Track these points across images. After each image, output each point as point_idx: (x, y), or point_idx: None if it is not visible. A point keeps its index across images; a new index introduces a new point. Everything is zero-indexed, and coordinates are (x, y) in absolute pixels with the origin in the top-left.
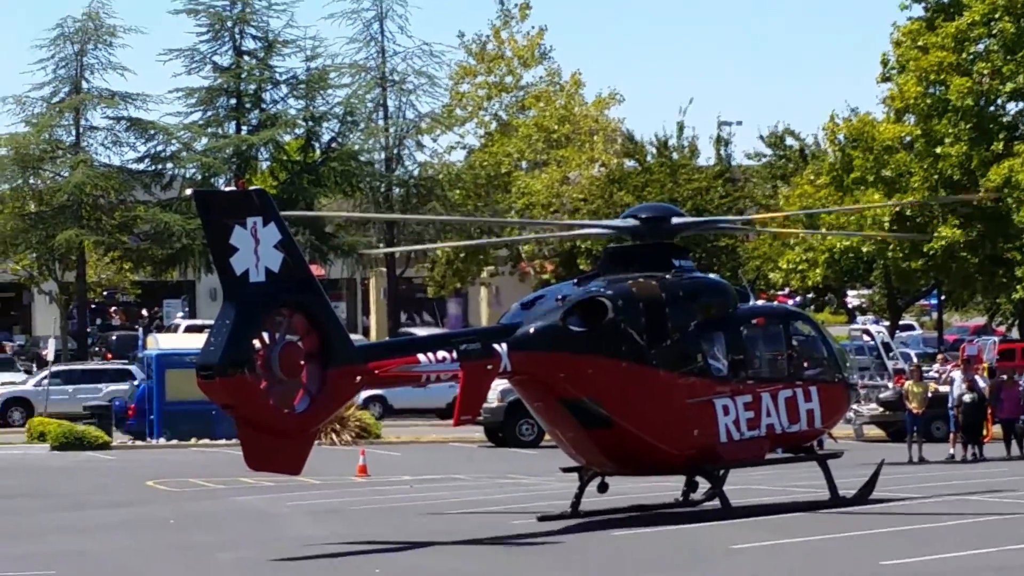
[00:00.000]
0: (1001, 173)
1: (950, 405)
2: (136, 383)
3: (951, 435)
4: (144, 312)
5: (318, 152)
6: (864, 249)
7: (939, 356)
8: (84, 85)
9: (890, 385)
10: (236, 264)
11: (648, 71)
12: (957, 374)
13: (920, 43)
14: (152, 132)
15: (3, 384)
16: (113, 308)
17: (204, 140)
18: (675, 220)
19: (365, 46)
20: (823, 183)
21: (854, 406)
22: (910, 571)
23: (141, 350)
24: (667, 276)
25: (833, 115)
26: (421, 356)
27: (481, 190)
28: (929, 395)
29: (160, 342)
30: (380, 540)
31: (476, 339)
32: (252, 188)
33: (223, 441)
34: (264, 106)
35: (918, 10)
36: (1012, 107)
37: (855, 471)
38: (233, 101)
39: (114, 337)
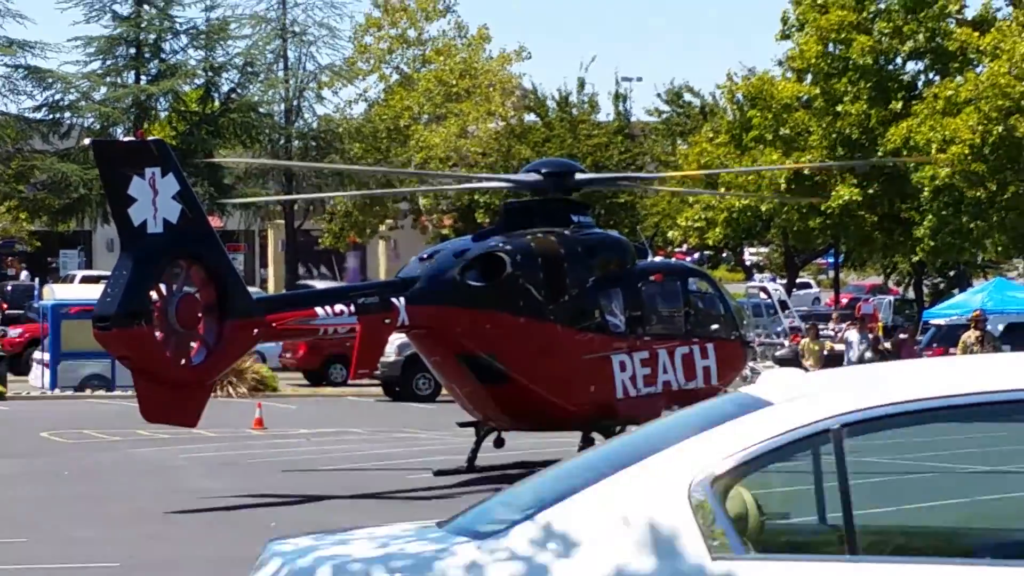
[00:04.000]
0: (900, 133)
1: (846, 363)
2: None
3: None
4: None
5: (217, 103)
6: (762, 208)
7: (834, 315)
8: None
9: (786, 343)
10: (134, 215)
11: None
12: (853, 332)
13: (820, 1)
14: (50, 81)
15: None
16: (10, 258)
17: (103, 90)
18: (578, 175)
19: None
20: (722, 142)
21: (750, 363)
22: None
23: (37, 300)
24: (566, 232)
25: (730, 74)
26: (319, 309)
27: (381, 144)
28: (825, 353)
29: (56, 292)
30: (276, 493)
31: (374, 293)
32: (151, 138)
33: (119, 392)
34: (164, 56)
35: None
36: (911, 66)
37: None
38: (132, 51)
39: (10, 287)
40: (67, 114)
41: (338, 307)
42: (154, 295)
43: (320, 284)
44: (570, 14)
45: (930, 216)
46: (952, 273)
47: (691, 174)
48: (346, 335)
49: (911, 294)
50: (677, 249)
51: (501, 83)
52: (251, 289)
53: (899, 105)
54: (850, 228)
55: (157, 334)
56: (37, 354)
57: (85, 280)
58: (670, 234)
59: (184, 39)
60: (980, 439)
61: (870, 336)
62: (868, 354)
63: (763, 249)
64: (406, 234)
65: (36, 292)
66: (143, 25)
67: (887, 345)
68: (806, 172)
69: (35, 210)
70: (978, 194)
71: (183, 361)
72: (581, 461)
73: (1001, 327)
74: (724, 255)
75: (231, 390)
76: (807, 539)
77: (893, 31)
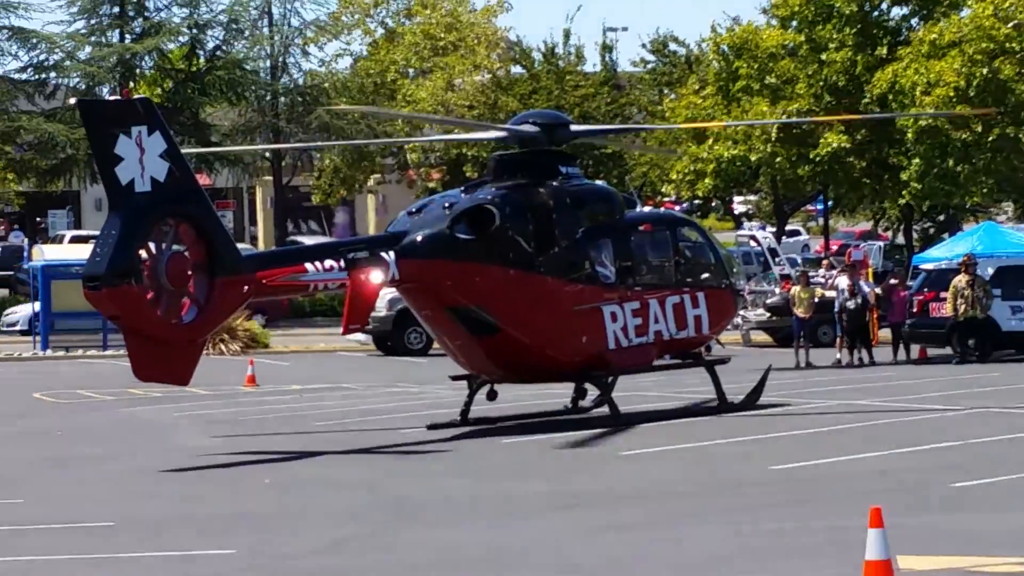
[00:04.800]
0: (886, 78)
1: (836, 310)
2: None
3: (837, 340)
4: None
5: (203, 61)
6: (752, 157)
7: (824, 262)
8: None
9: (777, 291)
10: (121, 174)
11: None
12: (843, 279)
13: None
14: (35, 41)
15: None
16: None
17: (88, 49)
18: (574, 127)
19: None
20: (709, 93)
21: (741, 312)
22: (797, 475)
23: (27, 261)
24: (555, 183)
25: (714, 26)
26: (309, 265)
27: (367, 98)
28: (816, 300)
29: (45, 253)
30: (270, 450)
31: (364, 247)
32: (136, 97)
33: (111, 352)
34: (148, 14)
35: None
36: (896, 12)
37: (743, 376)
38: (116, 9)
39: None
40: (52, 74)
41: (328, 262)
42: (143, 254)
43: (310, 240)
44: None
45: (916, 160)
46: (942, 218)
47: (682, 126)
48: (336, 290)
49: (901, 239)
50: (666, 198)
51: (487, 36)
52: (241, 246)
53: (884, 50)
54: (839, 175)
55: (147, 293)
56: None
57: (74, 240)
58: (663, 189)
59: None
60: None
61: (860, 282)
62: (849, 303)
63: (752, 197)
64: (394, 189)
65: (25, 253)
66: None
67: (878, 291)
68: (793, 120)
69: (22, 171)
70: (964, 137)
71: (174, 319)
72: None
73: (991, 270)
74: (713, 204)
75: (223, 347)
76: None
77: None
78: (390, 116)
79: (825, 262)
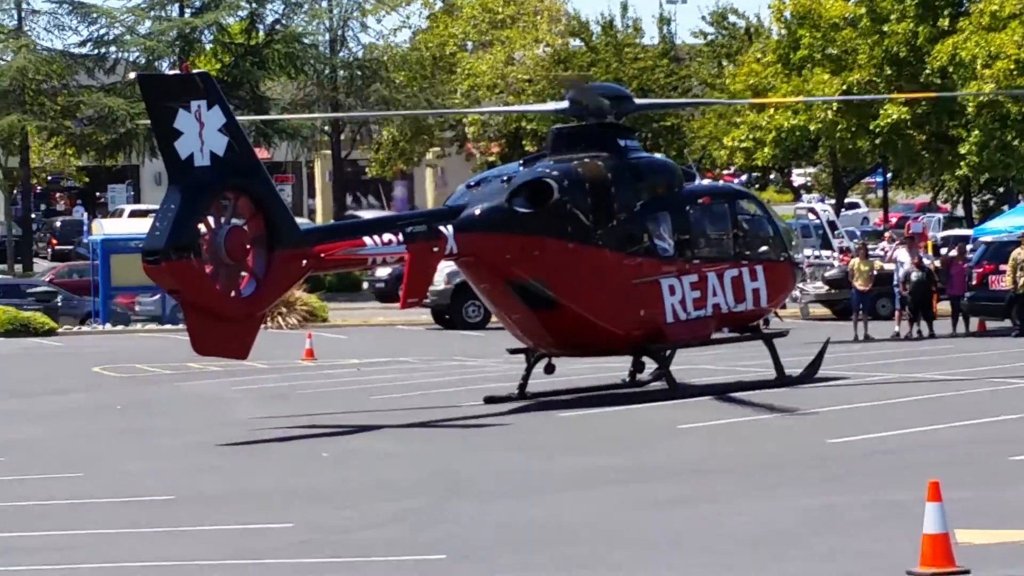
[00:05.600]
0: (946, 50)
1: (895, 282)
2: None
3: (896, 313)
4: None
5: (262, 34)
6: (811, 128)
7: (886, 235)
8: None
9: (836, 263)
10: (181, 148)
11: None
12: (903, 252)
13: None
14: (95, 16)
15: None
16: (58, 193)
17: (147, 23)
18: (637, 100)
19: None
20: (770, 61)
21: (800, 285)
22: (855, 449)
23: (86, 236)
24: (613, 156)
25: None
26: (367, 239)
27: (426, 72)
28: (875, 273)
29: (105, 227)
30: (328, 424)
31: (422, 221)
32: (196, 71)
33: (170, 327)
34: None
35: None
36: None
37: (801, 350)
38: None
39: (59, 223)
40: (112, 49)
41: (386, 236)
42: (202, 228)
43: (368, 214)
44: None
45: (976, 132)
46: (1000, 190)
47: (744, 102)
48: (395, 264)
49: (960, 212)
50: (724, 171)
51: (547, 9)
52: (299, 220)
53: (946, 22)
54: (898, 147)
55: (206, 267)
56: None
57: (134, 214)
58: (715, 154)
59: None
60: None
61: (918, 255)
62: (914, 275)
63: (811, 170)
64: (453, 162)
65: (85, 227)
66: None
67: (937, 263)
68: (855, 91)
69: (82, 145)
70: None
71: (232, 293)
72: None
73: None
74: (772, 176)
75: (281, 321)
76: None
77: None
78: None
79: (887, 235)
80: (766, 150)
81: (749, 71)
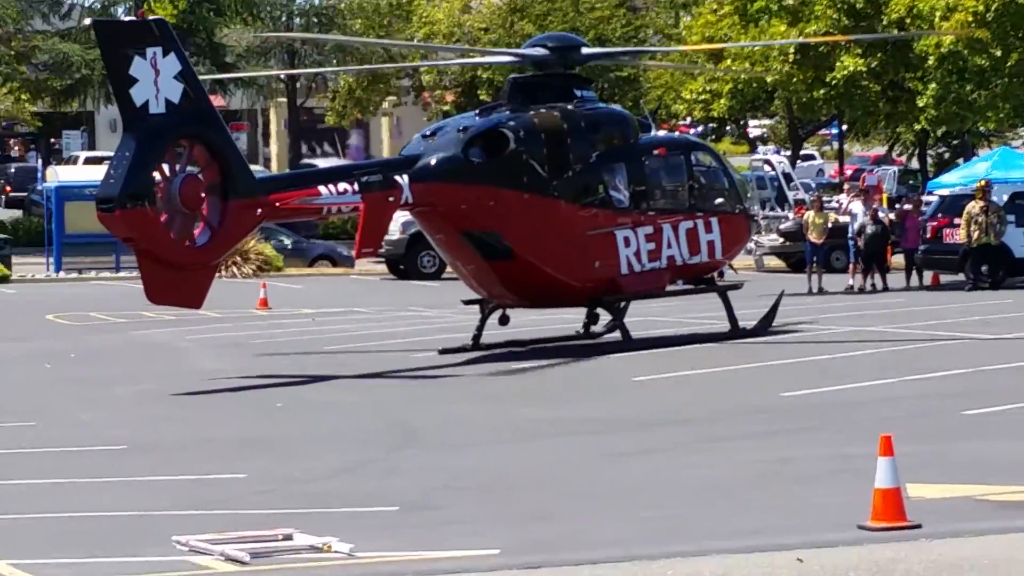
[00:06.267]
0: (904, 2)
1: (850, 235)
2: None
3: (851, 265)
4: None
5: None
6: (768, 80)
7: (846, 187)
8: None
9: (790, 216)
10: (136, 95)
11: None
12: (857, 204)
13: None
14: None
15: None
16: (12, 140)
17: None
18: (584, 50)
19: None
20: (726, 13)
21: (755, 237)
22: (809, 401)
23: (40, 183)
24: (569, 107)
25: None
26: (322, 188)
27: (383, 20)
28: (829, 225)
29: (59, 174)
30: (282, 374)
31: (377, 170)
32: (152, 18)
33: (124, 274)
34: None
35: None
36: None
37: (756, 302)
38: None
39: (13, 169)
40: None
41: (342, 186)
42: (157, 176)
43: (323, 162)
44: None
45: (934, 85)
46: (956, 143)
47: (696, 48)
48: (350, 214)
49: (915, 164)
50: (681, 122)
51: None
52: (254, 168)
53: None
54: (855, 98)
55: (161, 215)
56: None
57: (89, 161)
58: (675, 107)
59: None
60: None
61: (873, 207)
62: (869, 227)
63: (767, 121)
64: (409, 111)
65: (39, 174)
66: None
67: (891, 216)
68: (811, 43)
69: (37, 91)
70: (982, 62)
71: (187, 242)
72: None
73: (1006, 196)
74: (728, 128)
75: (235, 270)
76: None
77: None
78: (406, 46)
79: (847, 187)
80: (722, 101)
81: (705, 23)
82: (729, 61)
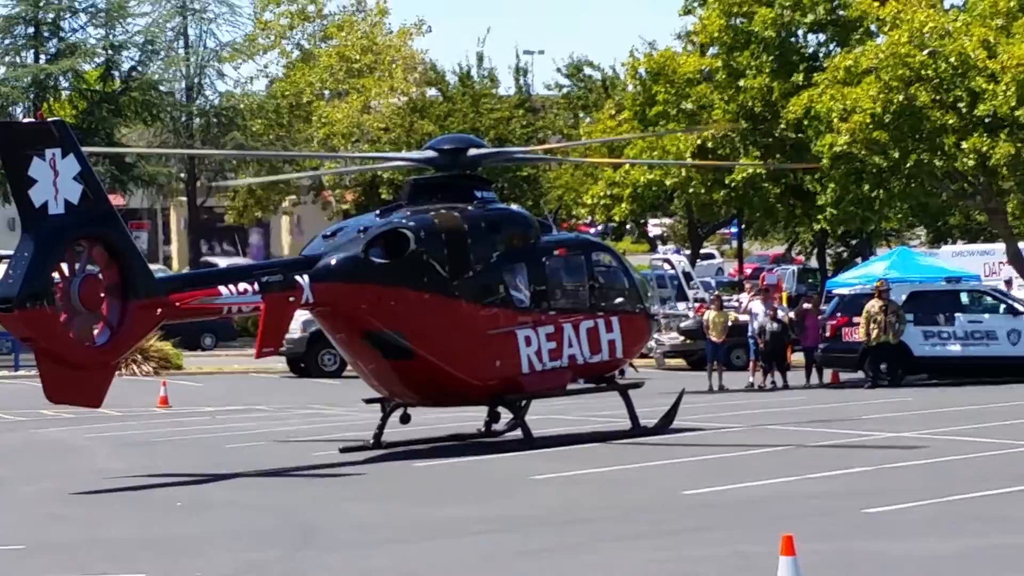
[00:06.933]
0: (801, 103)
1: (750, 334)
2: None
3: (751, 363)
4: None
5: (118, 81)
6: (667, 182)
7: (747, 285)
8: None
9: (691, 314)
10: (35, 196)
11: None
12: (757, 303)
13: None
14: None
15: None
16: None
17: (2, 69)
18: (472, 151)
19: None
20: (625, 117)
21: (655, 335)
22: (710, 500)
23: None
24: (469, 207)
25: (633, 50)
26: (223, 288)
27: (283, 120)
28: (729, 324)
29: None
30: (182, 472)
31: (278, 271)
32: (51, 119)
33: (23, 372)
34: (63, 35)
35: None
36: (813, 39)
37: (657, 400)
38: (31, 30)
39: None
40: None
41: (242, 286)
42: (56, 276)
43: (224, 261)
44: None
45: (832, 185)
46: (855, 242)
47: (591, 142)
48: (250, 313)
49: (814, 263)
50: (581, 222)
51: (404, 59)
52: (154, 266)
53: (801, 77)
54: (754, 200)
55: (60, 315)
56: None
57: None
58: (576, 211)
59: (83, 17)
60: None
61: (773, 306)
62: (769, 326)
63: (667, 220)
64: (309, 210)
65: None
66: (42, 4)
67: (791, 315)
68: (710, 145)
69: None
70: (880, 162)
71: (87, 342)
72: None
73: (904, 296)
74: (628, 227)
75: (136, 368)
76: None
77: (794, 3)
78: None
79: (748, 286)
80: (623, 206)
81: (604, 127)
82: (629, 167)
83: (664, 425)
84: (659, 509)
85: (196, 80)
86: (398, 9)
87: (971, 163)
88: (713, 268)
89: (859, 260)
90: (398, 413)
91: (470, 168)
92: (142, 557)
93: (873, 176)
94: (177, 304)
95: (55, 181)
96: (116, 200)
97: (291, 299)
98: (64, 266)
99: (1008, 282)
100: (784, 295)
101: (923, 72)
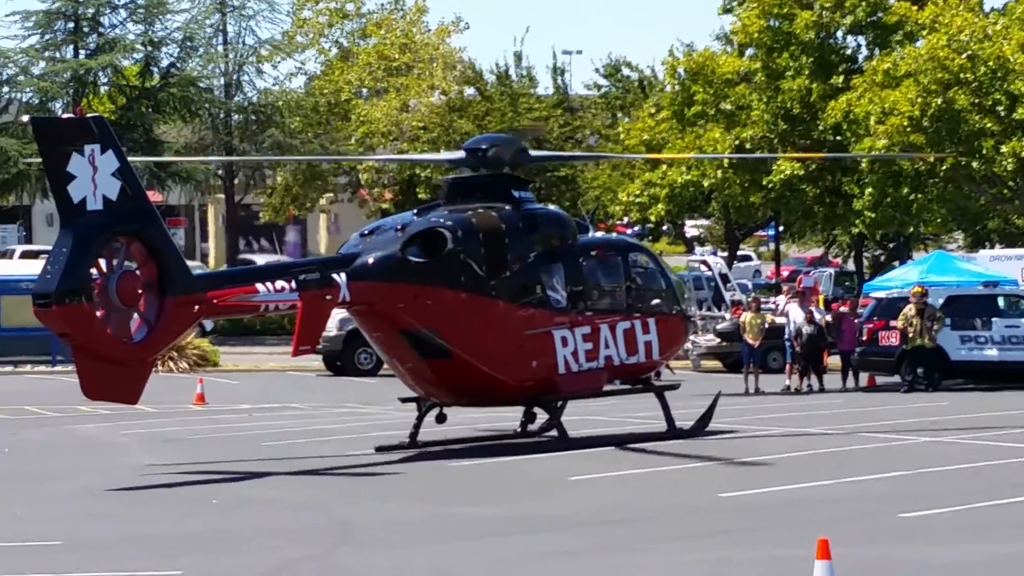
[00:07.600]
0: (840, 107)
1: (786, 336)
2: None
3: (787, 366)
4: None
5: (157, 78)
6: (704, 183)
7: (784, 288)
8: None
9: (727, 316)
10: (73, 192)
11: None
12: (794, 306)
13: None
14: None
15: None
16: None
17: (42, 64)
18: (532, 152)
19: None
20: (664, 117)
21: (691, 337)
22: (746, 502)
23: None
24: (507, 207)
25: (672, 49)
26: (260, 285)
27: (321, 117)
28: (766, 326)
29: None
30: (217, 470)
31: (315, 269)
32: (90, 115)
33: (60, 368)
34: (102, 30)
35: None
36: (851, 41)
37: (692, 402)
38: (71, 25)
39: None
40: (5, 89)
41: (279, 283)
42: (94, 272)
43: (260, 258)
44: None
45: (870, 188)
46: (892, 245)
47: (637, 157)
48: (287, 311)
49: (851, 266)
50: (618, 222)
51: (443, 57)
52: (192, 263)
53: (840, 79)
54: (791, 202)
55: (98, 311)
56: None
57: (25, 255)
58: (611, 210)
59: (123, 13)
60: None
61: (810, 309)
62: (806, 328)
63: (704, 222)
64: (346, 208)
65: None
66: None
67: (828, 318)
68: (748, 147)
69: None
70: (917, 166)
71: (124, 338)
72: None
73: (941, 300)
74: (665, 228)
75: (172, 365)
76: None
77: (834, 5)
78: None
79: (785, 288)
80: (660, 206)
81: (643, 126)
82: (665, 165)
83: (700, 427)
84: (695, 511)
85: (235, 77)
86: (436, 7)
87: (1010, 167)
88: (750, 270)
89: (896, 263)
90: (434, 412)
91: (518, 168)
92: (179, 554)
93: (911, 179)
94: (214, 301)
95: (94, 177)
96: (154, 196)
97: (328, 297)
98: (102, 262)
99: None
100: (821, 298)
101: (962, 75)
